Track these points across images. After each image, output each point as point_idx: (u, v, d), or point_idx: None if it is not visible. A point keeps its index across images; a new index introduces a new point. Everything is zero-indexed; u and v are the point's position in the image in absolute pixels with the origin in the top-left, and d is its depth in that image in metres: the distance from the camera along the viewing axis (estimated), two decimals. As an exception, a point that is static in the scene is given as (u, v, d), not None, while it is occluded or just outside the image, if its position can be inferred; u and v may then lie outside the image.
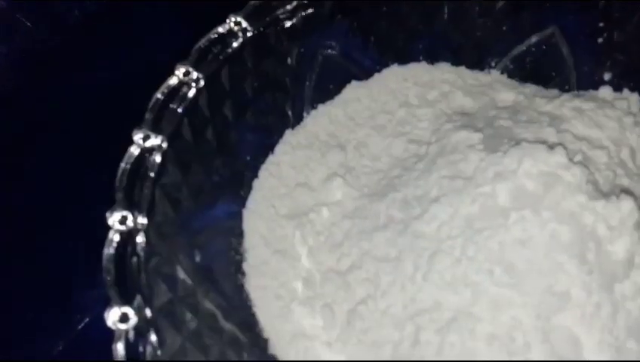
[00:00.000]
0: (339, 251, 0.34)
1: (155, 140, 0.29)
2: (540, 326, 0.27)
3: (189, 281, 0.28)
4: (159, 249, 0.27)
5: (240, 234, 0.34)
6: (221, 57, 0.33)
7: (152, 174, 0.28)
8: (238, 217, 0.34)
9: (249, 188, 0.35)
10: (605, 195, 0.29)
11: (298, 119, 0.38)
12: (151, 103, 0.30)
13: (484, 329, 0.28)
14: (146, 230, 0.27)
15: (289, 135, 0.38)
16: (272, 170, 0.36)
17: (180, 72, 0.31)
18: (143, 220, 0.27)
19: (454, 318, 0.28)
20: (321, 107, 0.39)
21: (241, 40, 0.33)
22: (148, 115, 0.30)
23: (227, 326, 0.29)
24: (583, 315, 0.27)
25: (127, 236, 0.26)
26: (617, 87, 0.37)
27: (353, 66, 0.40)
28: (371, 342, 0.30)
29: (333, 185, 0.36)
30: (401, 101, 0.40)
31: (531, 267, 0.28)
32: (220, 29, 0.33)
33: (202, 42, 0.33)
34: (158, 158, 0.29)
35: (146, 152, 0.29)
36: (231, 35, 0.33)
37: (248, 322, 0.31)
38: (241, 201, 0.35)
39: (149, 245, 0.27)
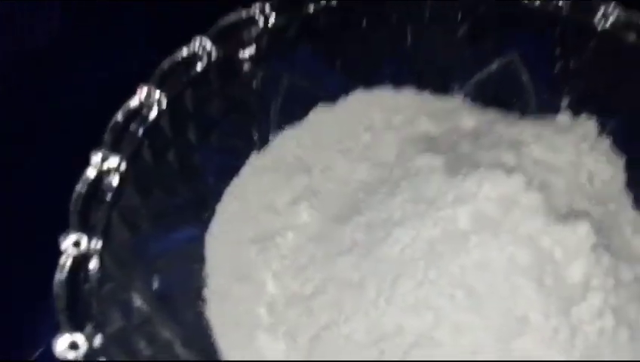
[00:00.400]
0: (303, 275, 0.33)
1: (113, 162, 0.29)
2: (500, 350, 0.27)
3: (145, 308, 0.28)
4: (114, 274, 0.27)
5: (201, 260, 0.33)
6: (185, 79, 0.33)
7: (108, 197, 0.28)
8: (199, 242, 0.33)
9: (212, 211, 0.35)
10: (563, 219, 0.30)
11: (264, 142, 0.38)
12: (110, 124, 0.30)
13: (446, 354, 0.27)
14: (101, 254, 0.26)
15: (255, 158, 0.38)
16: (236, 193, 0.36)
17: (142, 92, 0.31)
18: (97, 244, 0.26)
19: (416, 343, 0.28)
20: (287, 130, 0.39)
21: (205, 62, 0.33)
22: (107, 136, 0.29)
23: (185, 354, 0.29)
24: (541, 339, 0.27)
25: (81, 260, 0.25)
26: (575, 113, 0.38)
27: (319, 90, 0.40)
28: (334, 367, 0.30)
29: (299, 208, 0.36)
30: (367, 125, 0.40)
31: (491, 291, 0.28)
32: (185, 51, 0.33)
33: (166, 63, 0.32)
34: (115, 180, 0.28)
35: (104, 174, 0.28)
36: (196, 57, 0.33)
37: (208, 350, 0.30)
38: (204, 225, 0.34)
39: (104, 270, 0.26)
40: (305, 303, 0.32)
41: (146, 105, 0.31)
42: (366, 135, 0.40)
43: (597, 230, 0.31)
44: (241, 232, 0.35)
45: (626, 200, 0.36)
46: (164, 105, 0.31)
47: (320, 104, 0.40)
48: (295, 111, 0.39)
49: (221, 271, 0.33)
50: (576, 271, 0.28)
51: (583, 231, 0.29)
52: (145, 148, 0.30)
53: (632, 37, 0.37)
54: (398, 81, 0.41)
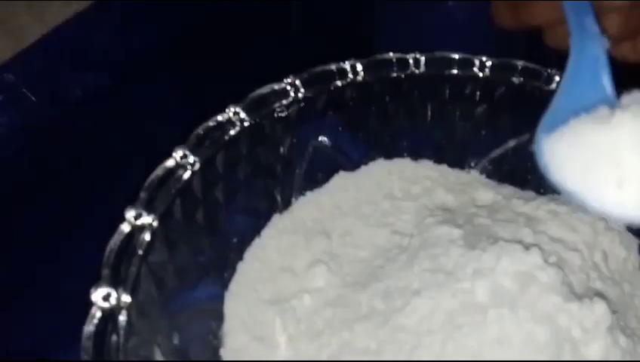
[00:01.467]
0: (319, 341, 0.33)
1: (146, 219, 0.30)
2: None
3: (166, 364, 0.28)
4: (139, 329, 0.27)
5: (220, 318, 0.34)
6: (217, 143, 0.34)
7: (140, 252, 0.29)
8: (219, 300, 0.34)
9: (233, 270, 0.36)
10: (579, 297, 0.30)
11: (286, 205, 0.40)
12: (147, 183, 0.31)
13: None
14: (128, 308, 0.27)
15: (276, 219, 0.39)
16: (257, 254, 0.37)
17: (177, 154, 0.33)
18: (126, 298, 0.27)
19: (432, 416, 0.28)
20: (309, 194, 0.41)
21: (238, 128, 0.35)
22: (142, 194, 0.31)
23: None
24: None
25: (110, 313, 0.26)
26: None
27: (342, 158, 0.42)
28: None
29: (317, 271, 0.37)
30: (386, 193, 0.42)
31: (509, 367, 0.28)
32: (219, 117, 0.35)
33: (201, 128, 0.34)
34: (147, 236, 0.29)
35: (137, 230, 0.29)
36: (229, 123, 0.35)
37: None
38: (224, 284, 0.35)
39: (130, 324, 0.26)
40: (321, 369, 0.32)
41: (180, 167, 0.32)
42: (385, 202, 0.41)
43: (613, 311, 0.32)
44: (259, 292, 0.35)
45: (640, 281, 0.37)
46: (197, 167, 0.33)
47: (342, 171, 0.42)
48: (318, 176, 0.41)
49: (238, 331, 0.33)
50: (594, 352, 0.28)
51: (600, 310, 0.29)
52: (176, 206, 0.32)
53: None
54: (416, 153, 0.43)
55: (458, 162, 0.43)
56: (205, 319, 0.33)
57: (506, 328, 0.29)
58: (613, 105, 0.29)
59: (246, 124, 0.36)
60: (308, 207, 0.41)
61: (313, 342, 0.34)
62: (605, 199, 0.28)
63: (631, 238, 0.38)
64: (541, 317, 0.29)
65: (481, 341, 0.29)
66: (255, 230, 0.38)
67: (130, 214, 0.30)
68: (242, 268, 0.36)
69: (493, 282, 0.30)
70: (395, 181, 0.42)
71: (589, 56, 0.32)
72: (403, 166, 0.43)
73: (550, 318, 0.29)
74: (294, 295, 0.36)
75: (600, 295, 0.32)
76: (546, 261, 0.31)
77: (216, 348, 0.33)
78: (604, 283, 0.34)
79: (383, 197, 0.42)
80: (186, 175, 0.32)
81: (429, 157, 0.43)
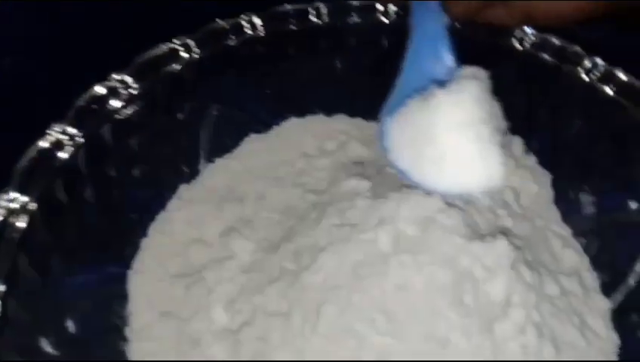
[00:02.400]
0: (233, 309, 0.32)
1: (21, 202, 0.28)
2: (423, 374, 0.27)
3: (55, 353, 0.26)
4: (18, 320, 0.25)
5: (124, 298, 0.32)
6: (102, 115, 0.32)
7: (14, 238, 0.27)
8: (122, 279, 0.32)
9: (136, 247, 0.34)
10: (482, 237, 0.30)
11: (194, 173, 0.38)
12: (21, 163, 0.29)
13: (369, 381, 0.27)
14: (3, 299, 0.25)
15: (183, 190, 0.37)
16: (162, 228, 0.35)
17: (55, 131, 0.31)
18: (1, 287, 0.25)
19: (341, 372, 0.27)
20: (218, 161, 0.39)
21: (125, 97, 0.33)
22: (16, 176, 0.29)
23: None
24: (463, 359, 0.27)
25: (-20, 306, 0.24)
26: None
27: (250, 120, 0.40)
28: (260, 405, 0.29)
29: (230, 239, 0.35)
30: (300, 152, 0.40)
31: (411, 313, 0.27)
32: (101, 87, 0.33)
33: (82, 100, 0.32)
34: (23, 222, 0.27)
35: (10, 215, 0.27)
36: (113, 92, 0.33)
37: (130, 392, 0.29)
38: (127, 262, 0.33)
39: (5, 316, 0.25)
40: (232, 337, 0.31)
41: (60, 143, 0.30)
42: (300, 162, 0.40)
43: (520, 246, 0.32)
44: (167, 267, 0.34)
45: (554, 215, 0.37)
46: (79, 143, 0.31)
47: (252, 133, 0.40)
48: (226, 141, 0.39)
49: (145, 309, 0.32)
50: (496, 289, 0.28)
51: (501, 248, 0.29)
52: (58, 186, 0.29)
53: (551, 56, 0.38)
54: (330, 108, 0.42)
55: (372, 114, 0.42)
56: (106, 301, 0.31)
57: (407, 274, 0.28)
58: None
59: (134, 92, 0.33)
60: (218, 174, 0.39)
61: (227, 310, 0.33)
62: (428, 175, 0.30)
63: (543, 173, 0.38)
64: (442, 259, 0.28)
65: (383, 289, 0.28)
66: (160, 204, 0.36)
67: (3, 198, 0.28)
68: (146, 244, 0.34)
69: (395, 230, 0.30)
70: (309, 139, 0.41)
71: (429, 32, 0.31)
72: (316, 123, 0.42)
73: (451, 260, 0.28)
74: (205, 266, 0.34)
75: (506, 232, 0.31)
76: (447, 203, 0.30)
77: (120, 328, 0.31)
78: (514, 219, 0.34)
79: (298, 156, 0.40)
80: (68, 151, 0.30)
81: (343, 112, 0.42)
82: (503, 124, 0.32)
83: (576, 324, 0.30)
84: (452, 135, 0.29)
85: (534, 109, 0.39)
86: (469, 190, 0.30)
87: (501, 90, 0.38)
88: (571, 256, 0.35)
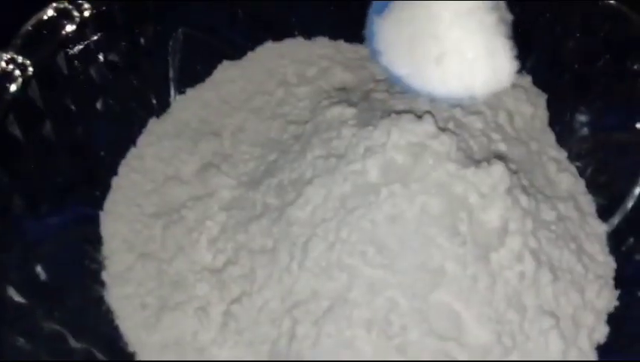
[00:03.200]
0: (214, 247, 0.31)
1: (-31, 141, 0.25)
2: (417, 305, 0.25)
3: (22, 301, 0.25)
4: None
5: (97, 241, 0.30)
6: (54, 41, 0.29)
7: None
8: (94, 221, 0.30)
9: (107, 187, 0.31)
10: (476, 162, 0.28)
11: (164, 106, 0.35)
12: (-35, 98, 0.26)
13: (361, 315, 0.26)
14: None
15: (153, 124, 0.34)
16: (134, 165, 0.33)
17: (1, 59, 0.27)
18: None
19: (331, 307, 0.26)
20: (189, 91, 0.36)
21: (78, 19, 0.29)
22: (-39, 112, 0.25)
23: (79, 346, 0.26)
24: (460, 290, 0.26)
25: None
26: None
27: (222, 44, 0.37)
28: (248, 341, 0.28)
29: (208, 175, 0.33)
30: (279, 80, 0.37)
31: (403, 244, 0.26)
32: (50, 11, 0.29)
33: (29, 25, 0.28)
34: (-28, 162, 0.25)
35: (-42, 156, 0.25)
36: (64, 15, 0.29)
37: (109, 338, 0.28)
38: (97, 203, 0.31)
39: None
40: (216, 276, 0.30)
41: (7, 75, 0.27)
42: (279, 91, 0.37)
43: (515, 171, 0.30)
44: (142, 207, 0.32)
45: (549, 138, 0.35)
46: (30, 73, 0.27)
47: (225, 60, 0.37)
48: (197, 69, 0.36)
49: (121, 251, 0.30)
50: (492, 216, 0.27)
51: (497, 173, 0.27)
52: (10, 122, 0.26)
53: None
54: (309, 31, 0.38)
55: (356, 36, 0.39)
56: (78, 244, 0.29)
57: (399, 205, 0.26)
58: None
59: (87, 13, 0.30)
60: (190, 105, 0.36)
61: (208, 249, 0.31)
62: (427, 77, 0.27)
63: (538, 93, 0.35)
64: (435, 187, 0.27)
65: (374, 221, 0.26)
66: (128, 139, 0.33)
67: (-53, 138, 0.25)
68: (118, 183, 0.32)
69: (385, 158, 0.27)
70: (288, 65, 0.38)
71: None
72: (295, 47, 0.39)
73: (444, 187, 0.27)
74: (184, 204, 0.32)
75: (500, 157, 0.30)
76: (440, 128, 0.28)
77: (96, 273, 0.29)
78: (508, 143, 0.32)
79: (276, 84, 0.37)
80: (17, 83, 0.27)
81: (323, 34, 0.39)
82: (509, 15, 0.28)
83: (573, 250, 0.29)
84: (453, 27, 0.25)
85: (529, 25, 0.36)
86: (474, 92, 0.27)
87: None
88: (567, 179, 0.33)
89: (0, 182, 0.26)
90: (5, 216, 0.26)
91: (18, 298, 0.25)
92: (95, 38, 0.31)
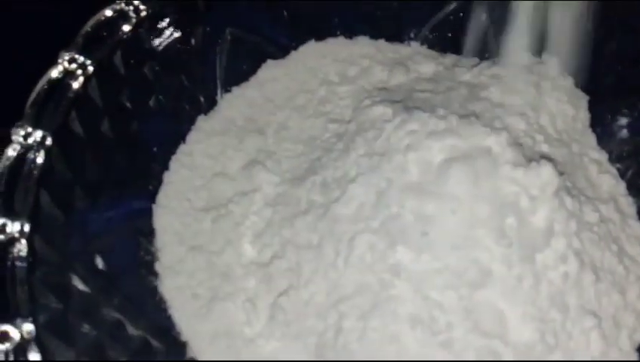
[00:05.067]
0: (260, 242, 0.32)
1: (37, 137, 0.26)
2: (462, 303, 0.26)
3: (87, 290, 0.26)
4: (47, 257, 0.25)
5: (150, 233, 0.31)
6: (112, 41, 0.30)
7: (34, 175, 0.26)
8: (147, 214, 0.32)
9: (159, 181, 0.33)
10: (523, 163, 0.28)
11: (211, 104, 0.36)
12: (32, 97, 0.27)
13: (406, 311, 0.26)
14: (30, 237, 0.24)
15: (202, 121, 0.35)
16: (184, 161, 0.34)
17: (64, 59, 0.28)
18: (24, 227, 0.24)
19: (376, 302, 0.27)
20: (235, 90, 0.37)
21: (134, 20, 0.31)
22: (28, 110, 0.27)
23: (136, 333, 0.27)
24: (504, 289, 0.26)
25: (6, 246, 0.23)
26: (536, 52, 0.37)
27: (267, 45, 0.38)
28: (295, 333, 0.29)
29: (253, 172, 0.34)
30: (321, 79, 0.38)
31: (449, 243, 0.27)
32: (109, 11, 0.30)
33: (89, 26, 0.30)
34: (41, 157, 0.26)
35: (28, 151, 0.26)
36: (122, 16, 0.30)
37: (163, 326, 0.29)
38: (150, 197, 0.32)
39: (34, 254, 0.24)
40: (263, 270, 0.31)
41: (69, 73, 0.28)
42: (321, 89, 0.38)
43: (561, 173, 0.30)
44: (192, 201, 0.33)
45: (590, 139, 0.35)
46: (90, 72, 0.28)
47: (269, 59, 0.38)
48: (242, 68, 0.37)
49: (173, 243, 0.31)
50: (539, 217, 0.27)
51: (546, 174, 0.28)
52: (73, 120, 0.28)
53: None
54: (350, 30, 0.39)
55: (396, 35, 0.39)
56: (133, 236, 0.31)
57: (445, 203, 0.27)
58: None
59: (143, 14, 0.31)
60: (236, 103, 0.37)
61: (254, 243, 0.32)
62: None
63: (580, 95, 0.36)
64: (482, 187, 0.27)
65: (419, 219, 0.27)
66: (178, 136, 0.34)
67: (17, 135, 0.26)
68: (169, 177, 0.33)
69: (428, 157, 0.28)
70: (330, 64, 0.39)
71: None
72: (337, 46, 0.39)
73: (493, 187, 0.27)
74: (231, 199, 0.33)
75: (545, 158, 0.30)
76: (485, 129, 0.29)
77: (150, 264, 0.31)
78: (550, 145, 0.32)
79: (319, 83, 0.38)
80: (78, 82, 0.28)
81: (364, 33, 0.39)
82: None
83: (615, 251, 0.29)
84: None
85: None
86: None
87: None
88: (608, 181, 0.33)
89: (64, 176, 0.27)
90: (69, 210, 0.27)
91: (82, 286, 0.26)
92: (149, 38, 0.32)
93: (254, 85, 0.37)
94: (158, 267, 0.31)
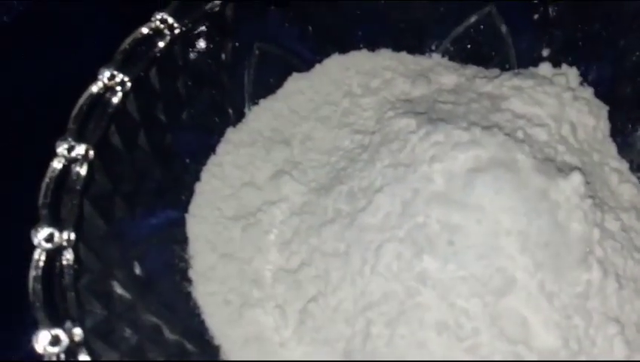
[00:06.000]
0: (288, 249, 0.33)
1: (79, 150, 0.28)
2: (488, 310, 0.27)
3: (127, 296, 0.27)
4: (91, 265, 0.26)
5: (184, 241, 0.33)
6: (148, 57, 0.31)
7: (78, 186, 0.27)
8: (180, 223, 0.33)
9: (191, 191, 0.34)
10: (546, 172, 0.29)
11: (239, 116, 0.37)
12: (74, 112, 0.29)
13: (433, 318, 0.27)
14: (75, 246, 0.25)
15: (230, 133, 0.37)
16: (214, 171, 0.35)
17: (103, 76, 0.30)
18: (70, 236, 0.26)
19: (403, 309, 0.28)
20: (262, 102, 0.38)
21: (168, 38, 0.32)
22: (71, 125, 0.28)
23: (173, 337, 0.28)
24: (528, 296, 0.27)
25: (54, 254, 0.25)
26: (556, 63, 0.37)
27: (292, 58, 0.39)
28: (324, 339, 0.30)
29: (280, 182, 0.35)
30: (345, 91, 0.39)
31: (476, 252, 0.27)
32: (145, 29, 0.31)
33: (126, 43, 0.31)
34: (84, 169, 0.27)
35: (71, 164, 0.27)
36: (157, 33, 0.32)
37: (197, 331, 0.30)
38: (183, 206, 0.33)
39: (79, 262, 0.25)
40: (292, 277, 0.32)
41: (109, 89, 0.30)
42: (344, 101, 0.39)
43: (587, 182, 0.31)
44: (222, 210, 0.34)
45: (610, 149, 0.36)
46: (128, 87, 0.30)
47: (295, 72, 0.39)
48: (269, 82, 0.38)
49: (205, 251, 0.33)
50: (564, 226, 0.28)
51: (576, 182, 0.28)
52: (112, 133, 0.29)
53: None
54: (372, 43, 0.40)
55: (418, 47, 0.40)
56: (167, 244, 0.32)
57: (472, 213, 0.28)
58: None
59: (177, 31, 0.32)
60: (263, 116, 0.38)
61: (282, 251, 0.33)
62: None
63: (600, 105, 0.36)
64: (509, 196, 0.28)
65: (446, 229, 0.28)
66: (209, 147, 0.36)
67: (61, 148, 0.28)
68: (200, 188, 0.35)
69: (454, 168, 0.29)
70: (353, 76, 0.40)
71: None
72: (360, 58, 0.40)
73: (519, 197, 0.28)
74: (259, 208, 0.35)
75: (568, 168, 0.31)
76: (508, 139, 0.29)
77: (183, 271, 0.32)
78: (572, 155, 0.33)
79: (342, 95, 0.39)
80: (117, 97, 0.30)
81: (386, 46, 0.40)
82: None
83: (637, 259, 0.30)
84: None
85: (592, 37, 0.37)
86: None
87: (560, 18, 0.37)
88: (629, 190, 0.34)
89: (105, 188, 0.29)
90: (109, 219, 0.28)
91: (122, 292, 0.27)
92: (182, 53, 0.33)
93: (280, 98, 0.39)
94: (192, 274, 0.32)
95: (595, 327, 0.28)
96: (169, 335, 0.28)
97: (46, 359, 0.23)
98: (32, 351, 0.23)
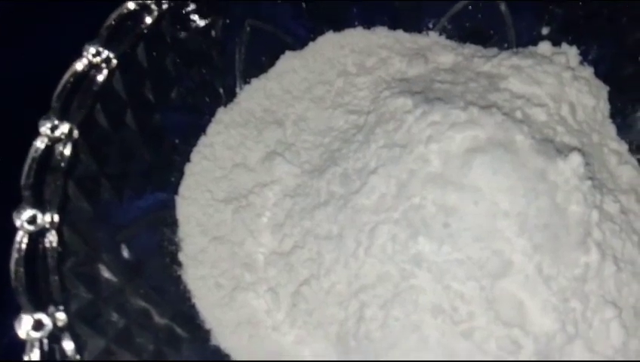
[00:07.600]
0: (281, 232, 0.32)
1: (63, 129, 0.27)
2: (484, 294, 0.26)
3: (114, 279, 0.27)
4: (75, 248, 0.25)
5: (173, 223, 0.32)
6: (135, 33, 0.30)
7: (62, 167, 0.26)
8: (170, 205, 0.32)
9: (180, 173, 0.33)
10: (544, 152, 0.28)
11: (230, 96, 0.36)
12: (58, 90, 0.28)
13: (428, 301, 0.27)
14: (59, 228, 0.25)
15: (221, 113, 0.36)
16: (205, 152, 0.34)
17: (88, 52, 0.29)
18: (54, 218, 0.25)
19: (397, 292, 0.27)
20: (254, 81, 0.37)
21: (156, 13, 0.31)
22: (54, 103, 0.27)
23: (162, 321, 0.28)
24: (525, 280, 0.26)
25: (37, 236, 0.24)
26: (556, 42, 0.36)
27: (285, 36, 0.38)
28: (317, 322, 0.29)
29: (273, 163, 0.34)
30: (339, 70, 0.38)
31: (472, 234, 0.27)
32: (132, 3, 0.30)
33: (112, 18, 0.30)
34: (68, 149, 0.26)
35: (55, 143, 0.26)
36: (145, 8, 0.31)
37: (187, 315, 0.29)
38: (173, 188, 0.33)
39: (63, 245, 0.24)
40: (284, 259, 0.31)
41: (94, 66, 0.28)
42: (339, 80, 0.38)
43: (587, 163, 0.30)
44: (213, 192, 0.33)
45: (610, 130, 0.35)
46: (114, 64, 0.29)
47: (288, 51, 0.38)
48: (262, 60, 0.37)
49: (196, 234, 0.32)
50: (562, 208, 0.27)
51: (575, 163, 0.28)
52: (98, 112, 0.28)
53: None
54: (368, 21, 0.39)
55: (415, 25, 0.39)
56: (157, 227, 0.31)
57: (467, 194, 0.27)
58: None
59: (165, 6, 0.31)
60: (255, 95, 0.37)
61: (275, 234, 0.32)
62: None
63: (600, 85, 0.35)
64: (507, 178, 0.27)
65: (441, 210, 0.27)
66: (199, 128, 0.35)
67: (44, 127, 0.27)
68: (190, 169, 0.34)
69: (450, 148, 0.28)
70: (348, 55, 0.39)
71: None
72: (355, 37, 0.39)
73: (518, 179, 0.27)
74: (251, 190, 0.34)
75: (568, 148, 0.30)
76: (506, 119, 0.29)
77: (173, 254, 0.31)
78: (571, 136, 0.32)
79: (337, 74, 0.38)
80: (103, 74, 0.29)
81: (382, 24, 0.39)
82: None
83: (635, 242, 0.29)
84: None
85: (593, 16, 0.36)
86: None
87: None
88: (628, 172, 0.33)
89: (90, 168, 0.28)
90: (95, 201, 0.27)
91: (110, 276, 0.26)
92: (171, 30, 0.32)
93: (273, 77, 0.38)
94: (182, 257, 0.31)
95: (592, 310, 0.27)
96: (158, 319, 0.28)
97: (29, 344, 0.22)
98: (15, 336, 0.22)
